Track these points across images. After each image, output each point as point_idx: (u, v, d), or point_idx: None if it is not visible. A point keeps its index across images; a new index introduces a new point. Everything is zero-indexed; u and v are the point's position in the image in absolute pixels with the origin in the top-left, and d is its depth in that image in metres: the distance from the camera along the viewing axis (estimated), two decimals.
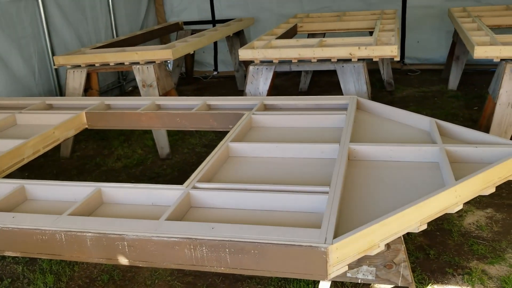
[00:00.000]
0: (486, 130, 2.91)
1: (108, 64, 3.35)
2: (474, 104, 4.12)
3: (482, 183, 1.44)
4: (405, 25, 5.39)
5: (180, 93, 4.98)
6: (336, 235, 1.28)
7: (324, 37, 4.84)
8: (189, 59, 5.76)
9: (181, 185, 1.63)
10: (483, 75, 4.87)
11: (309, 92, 4.98)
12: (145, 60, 3.25)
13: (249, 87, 3.09)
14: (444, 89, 4.65)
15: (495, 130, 2.81)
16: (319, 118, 2.14)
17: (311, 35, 4.75)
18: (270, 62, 3.11)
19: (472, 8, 4.48)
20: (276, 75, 3.18)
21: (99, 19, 4.84)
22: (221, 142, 1.94)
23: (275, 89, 5.10)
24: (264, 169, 1.77)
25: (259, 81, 3.06)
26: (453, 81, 4.61)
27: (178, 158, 3.48)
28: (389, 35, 3.37)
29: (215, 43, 6.04)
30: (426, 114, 4.07)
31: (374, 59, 2.97)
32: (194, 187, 1.63)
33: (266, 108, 2.50)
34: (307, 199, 1.47)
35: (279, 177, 1.70)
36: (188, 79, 5.84)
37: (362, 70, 2.93)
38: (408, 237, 2.23)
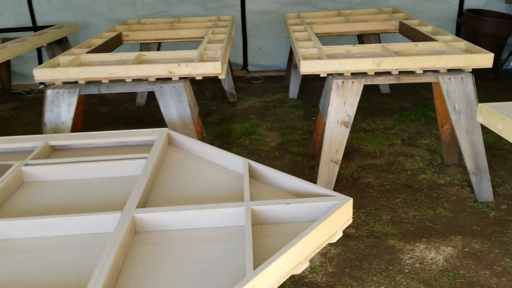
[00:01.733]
0: (321, 147, 2.75)
1: None
2: (313, 114, 4.04)
3: (291, 262, 1.15)
4: (245, 31, 5.20)
5: None
6: None
7: (159, 47, 4.42)
8: (3, 72, 4.90)
9: None
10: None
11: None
12: None
13: (49, 115, 2.54)
14: (285, 98, 4.54)
15: (326, 150, 2.65)
16: (114, 165, 1.72)
17: (145, 45, 4.29)
18: (75, 83, 2.60)
19: (306, 14, 4.41)
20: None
21: None
22: None
23: (106, 104, 4.54)
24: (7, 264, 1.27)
25: (61, 108, 2.53)
26: (293, 89, 4.51)
27: None
28: (216, 48, 3.06)
29: (39, 53, 5.26)
30: (266, 128, 3.93)
31: (197, 78, 2.63)
32: None
33: (55, 149, 2.00)
34: None
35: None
36: (4, 95, 4.97)
37: (184, 91, 2.57)
38: None
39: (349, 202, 1.36)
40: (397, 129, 3.68)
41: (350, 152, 3.32)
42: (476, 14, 4.76)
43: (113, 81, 2.62)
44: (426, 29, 3.47)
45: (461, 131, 2.62)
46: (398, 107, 4.17)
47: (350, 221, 1.38)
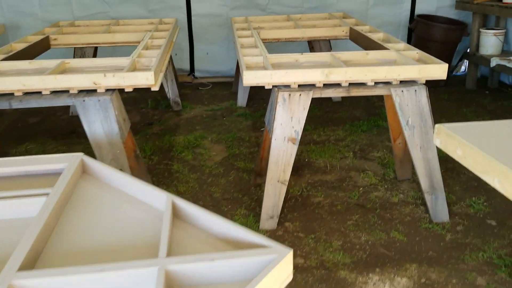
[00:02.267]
0: (268, 164, 2.51)
1: None
2: (262, 124, 3.80)
3: None
4: (192, 35, 4.91)
5: None
6: None
7: (95, 53, 4.06)
8: None
9: None
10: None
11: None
12: None
13: None
14: (234, 106, 4.29)
15: (272, 170, 2.42)
16: (3, 205, 1.40)
17: (79, 50, 3.93)
18: None
19: (254, 18, 4.18)
20: None
21: None
22: None
23: (36, 114, 4.13)
24: None
25: None
26: (242, 97, 4.27)
27: None
28: (152, 55, 2.77)
29: None
30: (212, 140, 3.63)
31: (126, 90, 2.33)
32: None
33: None
34: None
35: None
36: None
37: (111, 104, 2.26)
38: None
39: (289, 255, 1.11)
40: (348, 141, 3.50)
41: (299, 167, 3.11)
42: (427, 20, 4.68)
43: (28, 94, 2.28)
44: (377, 36, 3.31)
45: (415, 147, 2.45)
46: (350, 116, 4.00)
47: (291, 277, 1.14)
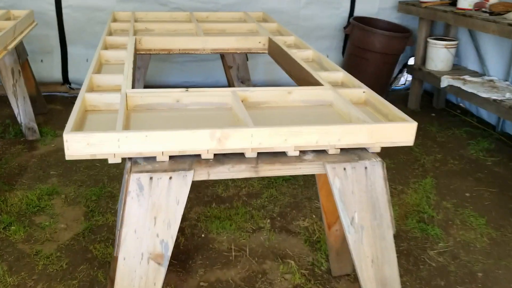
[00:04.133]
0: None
1: None
2: None
3: None
4: (64, 34, 3.68)
5: None
6: None
7: None
8: None
9: None
10: None
11: None
12: None
13: None
14: None
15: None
16: None
17: None
18: None
19: (144, 15, 3.07)
20: None
21: None
22: None
23: None
24: None
25: None
26: None
27: None
28: None
29: None
30: (67, 198, 2.33)
31: None
32: None
33: None
34: None
35: None
36: None
37: None
38: None
39: None
40: (265, 197, 2.52)
41: (190, 251, 2.08)
42: (365, 25, 3.79)
43: None
44: (305, 55, 2.34)
45: (363, 259, 1.49)
46: None
47: None
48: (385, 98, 1.69)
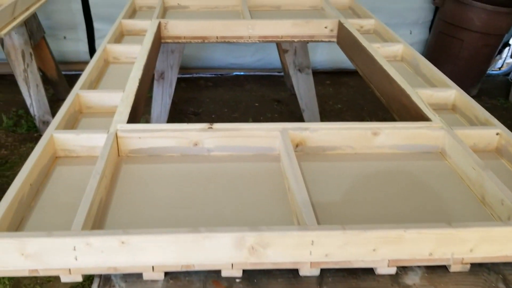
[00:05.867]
0: None
1: None
2: None
3: None
4: (89, 7, 3.11)
5: None
6: None
7: None
8: None
9: None
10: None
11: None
12: None
13: None
14: None
15: None
16: None
17: None
18: None
19: None
20: None
21: None
22: None
23: None
24: None
25: None
26: (157, 114, 2.59)
27: None
28: None
29: None
30: None
31: None
32: None
33: None
34: None
35: None
36: None
37: None
38: None
39: None
40: None
41: None
42: None
43: None
44: (392, 51, 1.63)
45: None
46: None
47: None
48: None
